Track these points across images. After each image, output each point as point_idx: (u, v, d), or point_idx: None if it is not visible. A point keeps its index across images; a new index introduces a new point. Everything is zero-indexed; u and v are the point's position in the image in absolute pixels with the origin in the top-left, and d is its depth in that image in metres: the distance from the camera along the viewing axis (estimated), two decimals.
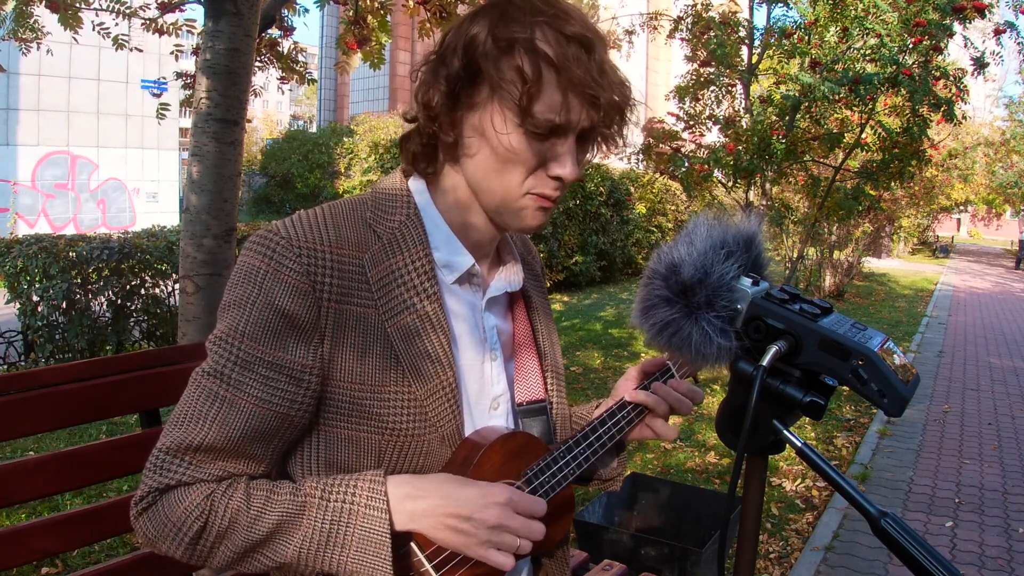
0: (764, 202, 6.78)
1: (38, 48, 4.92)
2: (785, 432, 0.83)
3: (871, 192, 6.76)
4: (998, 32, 6.06)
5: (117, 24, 4.70)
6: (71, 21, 4.29)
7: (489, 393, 1.04)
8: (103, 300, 6.33)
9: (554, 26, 0.88)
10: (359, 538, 0.88)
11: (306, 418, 0.94)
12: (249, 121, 3.70)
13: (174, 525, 0.88)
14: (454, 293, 1.01)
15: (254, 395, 0.90)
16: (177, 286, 4.50)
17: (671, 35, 7.44)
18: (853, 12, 5.86)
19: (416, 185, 1.02)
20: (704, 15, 6.98)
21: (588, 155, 0.99)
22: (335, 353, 0.92)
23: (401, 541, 0.92)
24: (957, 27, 5.73)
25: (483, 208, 0.99)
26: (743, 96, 7.05)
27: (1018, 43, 6.02)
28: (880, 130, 6.25)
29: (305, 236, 0.92)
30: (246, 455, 0.92)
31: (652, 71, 29.55)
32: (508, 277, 1.08)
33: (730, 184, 6.76)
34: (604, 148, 1.00)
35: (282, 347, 0.90)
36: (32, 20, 4.62)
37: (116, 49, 4.92)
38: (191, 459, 0.90)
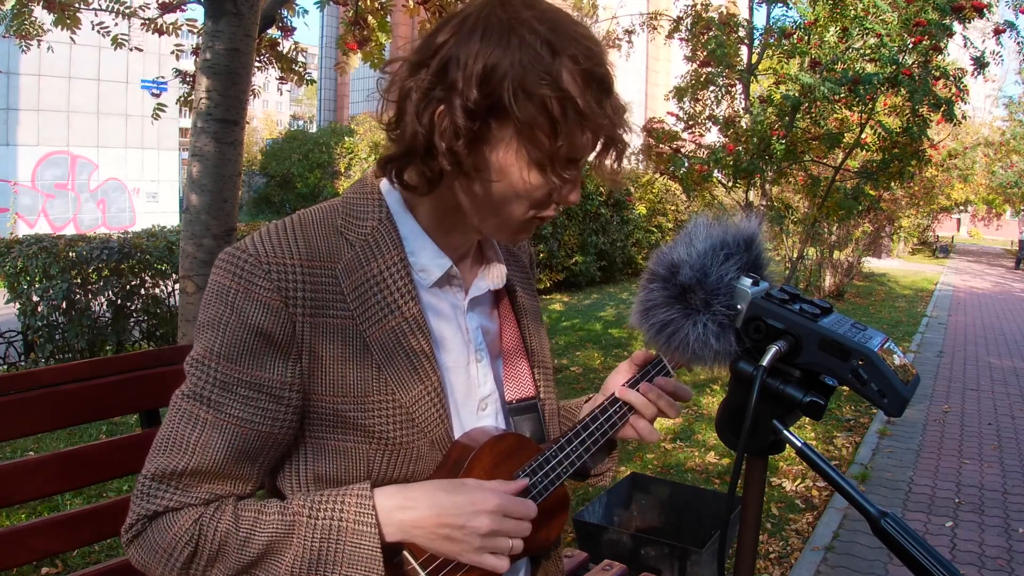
0: (764, 202, 6.78)
1: (39, 45, 4.92)
2: (785, 432, 0.83)
3: (871, 192, 6.77)
4: (998, 32, 6.07)
5: (117, 24, 4.71)
6: (68, 21, 4.30)
7: (476, 394, 1.03)
8: (103, 300, 6.33)
9: (578, 63, 0.86)
10: (349, 555, 0.87)
11: (290, 434, 0.93)
12: (249, 122, 3.70)
13: (165, 551, 0.88)
14: (434, 296, 1.00)
15: (235, 416, 0.89)
16: (177, 286, 4.50)
17: (671, 35, 7.44)
18: (853, 12, 5.86)
19: (388, 187, 1.00)
20: (704, 15, 6.98)
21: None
22: (315, 367, 0.91)
23: (394, 549, 0.91)
24: (957, 27, 5.73)
25: (475, 225, 0.97)
26: (743, 96, 7.05)
27: (1018, 43, 6.03)
28: (880, 130, 6.25)
29: (274, 252, 0.90)
30: (232, 475, 0.91)
31: (652, 71, 29.55)
32: (491, 275, 1.06)
33: (730, 184, 6.76)
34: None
35: (259, 366, 0.89)
36: (32, 19, 4.63)
37: (115, 48, 4.92)
38: (177, 484, 0.89)
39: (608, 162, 0.94)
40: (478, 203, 0.93)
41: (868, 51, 5.82)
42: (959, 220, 43.89)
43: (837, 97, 5.73)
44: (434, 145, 0.87)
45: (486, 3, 0.89)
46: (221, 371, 0.89)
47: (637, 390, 1.12)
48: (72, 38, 4.45)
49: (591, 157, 0.93)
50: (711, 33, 6.73)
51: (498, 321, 1.10)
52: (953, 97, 5.91)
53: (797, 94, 5.85)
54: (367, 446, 0.93)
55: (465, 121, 0.85)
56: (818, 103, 5.91)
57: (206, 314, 0.91)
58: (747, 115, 6.64)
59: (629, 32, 8.03)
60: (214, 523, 0.88)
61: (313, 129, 33.60)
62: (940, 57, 5.97)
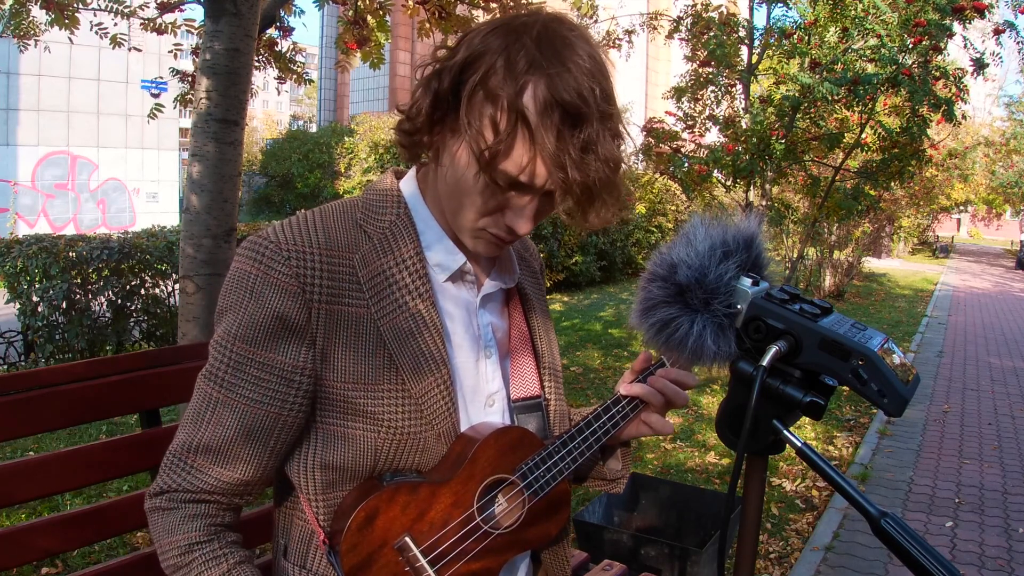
0: (764, 202, 6.78)
1: (35, 46, 4.92)
2: (785, 432, 0.83)
3: (871, 192, 6.76)
4: (997, 32, 6.05)
5: (116, 24, 4.70)
6: (67, 21, 4.29)
7: (484, 390, 1.04)
8: (103, 300, 6.33)
9: (550, 85, 0.85)
10: None
11: (300, 418, 0.95)
12: (248, 122, 3.71)
13: (161, 545, 0.95)
14: (447, 291, 1.02)
15: (246, 396, 0.92)
16: (177, 286, 4.50)
17: (671, 35, 7.44)
18: (853, 12, 5.86)
19: (407, 186, 1.03)
20: (704, 15, 6.98)
21: (554, 211, 0.98)
22: (328, 353, 0.93)
23: (395, 535, 0.92)
24: (957, 27, 5.72)
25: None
26: (743, 96, 7.05)
27: (1018, 43, 6.02)
28: (880, 130, 6.24)
29: (294, 240, 0.93)
30: (242, 458, 0.93)
31: (652, 71, 29.54)
32: (503, 274, 1.08)
33: (730, 184, 6.76)
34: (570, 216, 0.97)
35: (274, 348, 0.92)
36: (30, 19, 4.63)
37: (114, 47, 4.92)
38: (192, 461, 0.93)
39: (580, 206, 0.93)
40: (442, 194, 0.97)
41: (868, 51, 5.81)
42: (959, 220, 43.89)
43: (836, 97, 5.72)
44: (412, 117, 0.95)
45: (532, 13, 0.92)
46: (236, 352, 0.92)
47: (645, 383, 1.13)
48: (71, 38, 4.44)
49: (552, 188, 0.90)
50: (711, 33, 6.72)
51: (508, 320, 1.12)
52: (953, 97, 5.90)
53: (797, 94, 5.85)
54: (375, 434, 0.94)
55: (430, 105, 0.91)
56: (818, 103, 5.90)
57: (226, 299, 0.94)
58: (747, 115, 6.64)
59: (629, 32, 8.01)
60: (201, 568, 0.93)
61: (313, 129, 33.59)
62: (940, 57, 5.96)
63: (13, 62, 14.10)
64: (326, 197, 18.94)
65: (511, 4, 4.54)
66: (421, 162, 1.03)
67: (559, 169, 0.86)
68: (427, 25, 4.58)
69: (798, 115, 6.17)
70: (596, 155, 0.87)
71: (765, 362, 0.80)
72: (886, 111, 6.59)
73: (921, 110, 5.85)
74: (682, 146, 6.81)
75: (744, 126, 6.56)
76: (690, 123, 7.15)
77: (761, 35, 7.02)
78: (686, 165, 6.55)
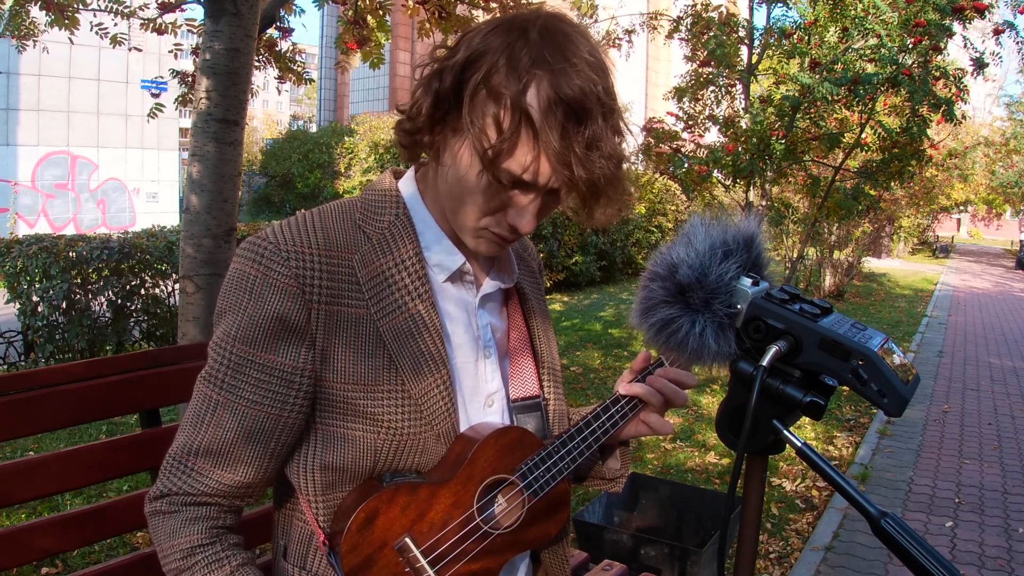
0: (764, 202, 6.78)
1: (35, 46, 4.92)
2: (785, 432, 0.83)
3: (871, 192, 6.76)
4: (997, 32, 6.05)
5: (116, 24, 4.70)
6: (66, 22, 4.29)
7: (484, 390, 1.04)
8: (103, 300, 6.33)
9: (554, 83, 0.84)
10: None
11: (300, 419, 0.95)
12: (248, 122, 3.70)
13: (162, 549, 0.95)
14: (446, 292, 1.02)
15: (246, 397, 0.92)
16: (177, 286, 4.50)
17: (670, 35, 7.44)
18: (853, 12, 5.86)
19: (406, 186, 1.03)
20: (704, 15, 6.98)
21: (557, 208, 0.98)
22: (328, 354, 0.93)
23: (395, 536, 0.92)
24: (957, 27, 5.72)
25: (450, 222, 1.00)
26: (743, 96, 7.05)
27: (1018, 43, 6.02)
28: (880, 130, 6.24)
29: (293, 240, 0.93)
30: (243, 460, 0.93)
31: (652, 71, 29.55)
32: (502, 274, 1.08)
33: (730, 184, 6.76)
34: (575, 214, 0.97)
35: (273, 350, 0.91)
36: (28, 19, 4.63)
37: (114, 47, 4.92)
38: (192, 464, 0.93)
39: (585, 203, 0.93)
40: (443, 194, 0.97)
41: (868, 51, 5.81)
42: (959, 220, 43.91)
43: (836, 97, 5.72)
44: (412, 116, 0.94)
45: (532, 11, 0.92)
46: (236, 353, 0.92)
47: (644, 383, 1.12)
48: (71, 39, 4.44)
49: (556, 186, 0.90)
50: (711, 33, 6.72)
51: (507, 320, 1.11)
52: (953, 97, 5.90)
53: (797, 94, 5.85)
54: (375, 436, 0.94)
55: (431, 104, 0.90)
56: (818, 103, 5.90)
57: (225, 300, 0.94)
58: (747, 115, 6.64)
59: (629, 32, 8.01)
60: (204, 570, 0.93)
61: (313, 129, 33.57)
62: (940, 57, 5.96)
63: (13, 62, 14.10)
64: (326, 197, 18.95)
65: (511, 4, 4.54)
66: (420, 162, 1.03)
67: (564, 167, 0.86)
68: (427, 25, 4.58)
69: (798, 115, 6.16)
70: (600, 152, 0.87)
71: (765, 362, 0.80)
72: (886, 111, 6.59)
73: (921, 110, 5.85)
74: (682, 146, 6.80)
75: (744, 126, 6.55)
76: (690, 123, 7.15)
77: (761, 35, 7.01)
78: (686, 165, 6.55)
